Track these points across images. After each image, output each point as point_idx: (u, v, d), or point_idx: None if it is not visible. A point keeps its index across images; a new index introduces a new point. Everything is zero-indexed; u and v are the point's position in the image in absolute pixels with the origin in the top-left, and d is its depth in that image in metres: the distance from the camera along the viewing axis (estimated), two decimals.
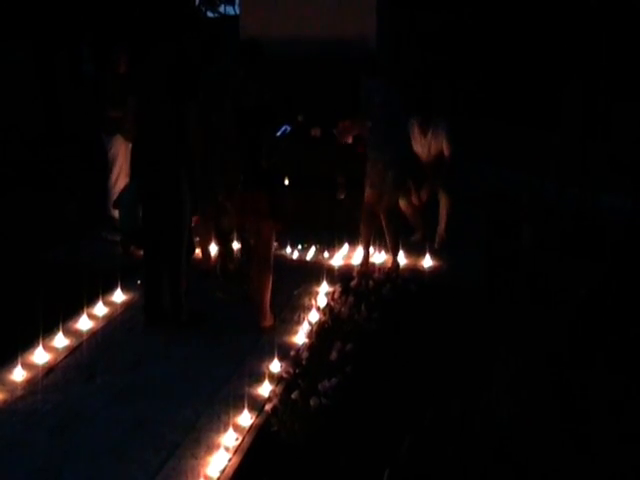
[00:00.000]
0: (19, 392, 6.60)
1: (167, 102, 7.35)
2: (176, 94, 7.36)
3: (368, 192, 9.05)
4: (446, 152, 9.90)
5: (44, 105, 16.37)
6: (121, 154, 10.05)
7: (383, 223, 9.12)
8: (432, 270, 9.41)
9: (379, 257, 9.59)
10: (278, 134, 8.85)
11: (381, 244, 9.51)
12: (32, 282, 8.58)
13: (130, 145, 8.02)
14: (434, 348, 7.27)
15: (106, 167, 10.39)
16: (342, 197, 10.50)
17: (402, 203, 9.82)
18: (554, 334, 7.46)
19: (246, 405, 6.30)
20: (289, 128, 10.01)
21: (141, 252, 8.13)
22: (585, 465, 5.72)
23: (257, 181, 7.43)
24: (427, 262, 9.51)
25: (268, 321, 7.83)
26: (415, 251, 9.75)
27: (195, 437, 6.00)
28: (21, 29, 15.84)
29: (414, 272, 9.26)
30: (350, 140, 9.42)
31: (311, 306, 8.22)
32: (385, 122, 8.75)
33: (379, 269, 9.18)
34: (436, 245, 9.95)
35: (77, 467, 5.64)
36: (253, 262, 7.83)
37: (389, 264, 9.30)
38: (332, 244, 9.83)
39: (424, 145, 10.03)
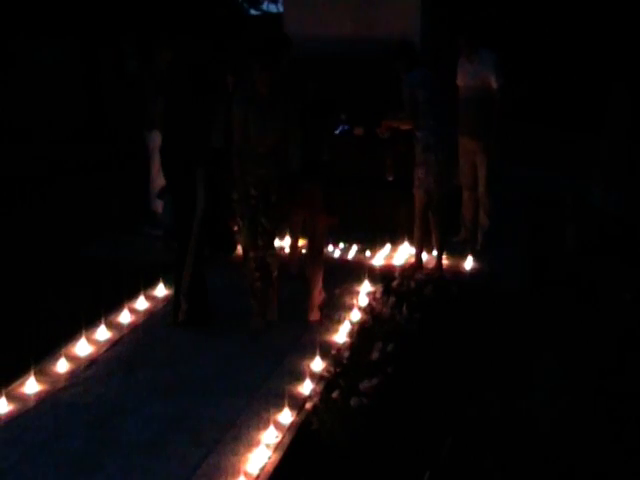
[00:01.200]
0: (61, 383, 6.65)
1: (187, 100, 7.37)
2: (196, 92, 7.37)
3: (417, 191, 9.01)
4: (494, 84, 9.38)
5: (88, 101, 16.50)
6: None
7: (431, 221, 9.06)
8: (474, 272, 9.32)
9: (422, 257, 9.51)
10: (337, 132, 8.83)
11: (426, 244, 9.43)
12: (75, 276, 8.67)
13: None
14: (475, 350, 7.21)
15: (148, 162, 10.43)
16: (390, 179, 10.35)
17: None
18: (598, 338, 7.37)
19: (286, 403, 6.27)
20: (347, 127, 10.02)
21: None
22: (629, 471, 5.64)
23: (314, 175, 7.57)
24: (469, 264, 9.43)
25: (316, 315, 7.95)
26: (457, 252, 9.68)
27: (235, 434, 5.99)
28: (67, 26, 15.96)
29: (456, 273, 9.19)
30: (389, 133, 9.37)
31: (352, 305, 8.19)
32: (431, 113, 8.70)
33: (422, 269, 9.12)
34: (478, 246, 9.86)
35: (116, 460, 5.65)
36: (307, 257, 8.09)
37: (432, 264, 9.24)
38: (374, 244, 9.79)
39: (469, 73, 9.57)
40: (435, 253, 9.27)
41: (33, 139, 12.52)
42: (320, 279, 7.96)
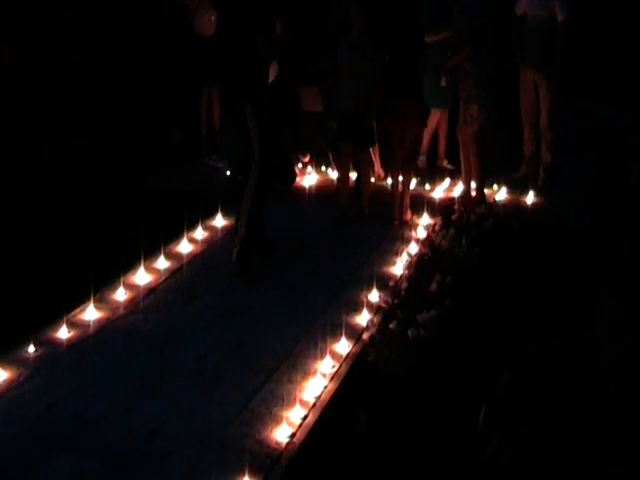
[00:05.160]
0: (121, 311, 6.72)
1: (238, 33, 7.31)
2: (247, 26, 7.30)
3: (465, 127, 8.91)
4: (560, 15, 9.13)
5: (149, 33, 16.41)
6: None
7: (471, 152, 8.95)
8: (535, 207, 9.20)
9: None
10: None
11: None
12: (136, 207, 8.72)
13: None
14: (534, 285, 7.12)
15: (211, 96, 10.47)
16: None
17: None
18: None
19: (344, 333, 6.29)
20: None
21: None
22: None
23: (411, 91, 8.39)
24: (530, 199, 9.30)
25: (408, 214, 8.62)
26: (518, 188, 9.55)
27: (292, 363, 6.01)
28: None
29: (517, 208, 9.07)
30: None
31: (410, 238, 8.14)
32: (485, 43, 8.57)
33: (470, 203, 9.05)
34: (540, 182, 9.70)
35: (175, 386, 5.73)
36: (395, 164, 8.73)
37: (474, 195, 9.17)
38: (434, 176, 9.70)
39: (534, 3, 9.28)
40: (475, 185, 9.19)
41: (97, 74, 12.52)
42: (410, 182, 8.78)
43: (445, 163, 10.30)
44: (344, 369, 5.94)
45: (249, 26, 7.31)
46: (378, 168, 9.76)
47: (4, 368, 5.73)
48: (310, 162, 9.85)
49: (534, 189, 9.44)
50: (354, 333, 6.40)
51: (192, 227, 8.18)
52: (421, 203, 8.89)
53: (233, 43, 7.45)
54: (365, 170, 8.73)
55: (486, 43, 8.59)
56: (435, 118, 9.95)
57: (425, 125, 8.93)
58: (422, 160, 10.16)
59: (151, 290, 7.09)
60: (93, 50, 12.71)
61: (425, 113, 8.86)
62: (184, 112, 11.23)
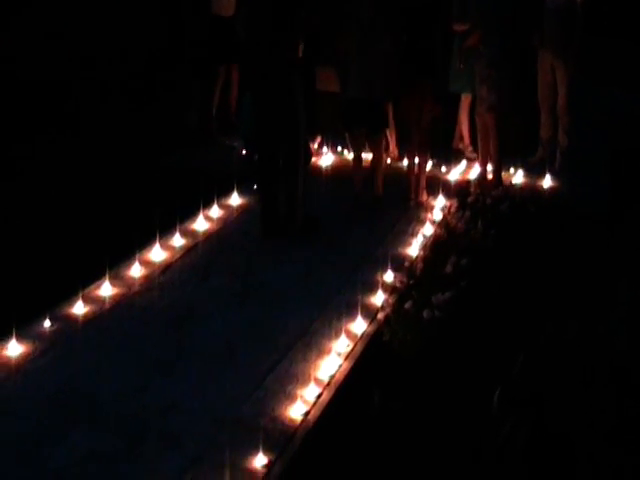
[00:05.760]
0: (136, 288, 6.73)
1: (273, 8, 7.31)
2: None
3: (479, 110, 8.89)
4: None
5: (166, 14, 16.33)
6: None
7: (490, 134, 8.91)
8: (552, 191, 9.16)
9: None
10: None
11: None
12: (151, 185, 8.72)
13: None
14: (551, 269, 7.08)
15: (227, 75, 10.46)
16: None
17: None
18: None
19: (359, 313, 6.28)
20: None
21: None
22: None
23: (427, 72, 8.33)
24: (547, 183, 9.26)
25: (424, 196, 8.64)
26: (535, 172, 9.51)
27: (307, 341, 6.01)
28: None
29: (533, 192, 9.03)
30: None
31: (426, 219, 8.13)
32: (497, 24, 8.54)
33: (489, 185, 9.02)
34: (557, 166, 9.65)
35: (190, 363, 5.73)
36: (411, 145, 8.72)
37: (490, 178, 9.14)
38: (449, 158, 9.67)
39: None
40: (491, 168, 9.19)
41: (112, 56, 12.51)
42: (426, 164, 8.78)
43: (462, 146, 10.23)
44: (359, 348, 5.94)
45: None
46: (393, 148, 9.74)
47: (20, 342, 5.74)
48: (321, 144, 9.86)
49: (551, 173, 9.40)
50: (369, 313, 6.40)
51: (208, 205, 8.17)
52: (437, 185, 8.87)
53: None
54: (379, 152, 8.68)
55: (500, 25, 8.55)
56: (466, 102, 9.88)
57: (441, 107, 8.79)
58: (470, 151, 10.10)
59: (166, 267, 7.09)
60: (106, 31, 12.68)
61: (442, 95, 8.81)
62: (201, 93, 11.20)
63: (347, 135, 9.24)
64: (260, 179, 7.86)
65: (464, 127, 10.08)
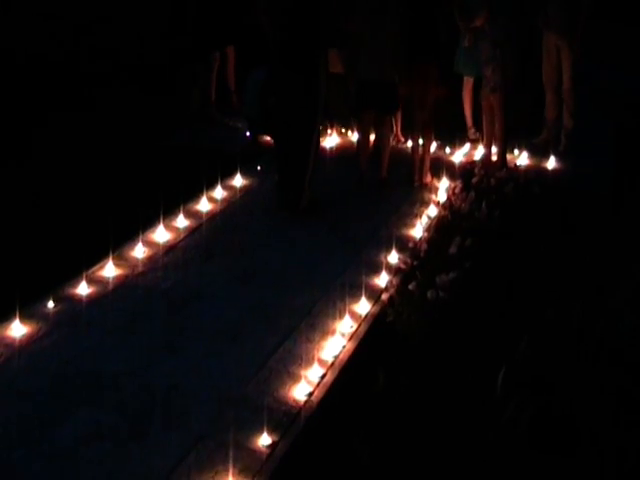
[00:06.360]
0: (140, 268, 6.73)
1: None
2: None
3: (484, 90, 8.86)
4: None
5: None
6: None
7: (495, 115, 8.88)
8: (556, 173, 9.13)
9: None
10: None
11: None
12: (155, 166, 8.69)
13: None
14: (555, 251, 7.06)
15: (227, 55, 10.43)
16: None
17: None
18: None
19: (363, 294, 6.27)
20: None
21: (267, 139, 8.29)
22: None
23: (431, 53, 8.30)
24: (551, 164, 9.23)
25: (428, 177, 8.66)
26: (539, 153, 9.48)
27: (310, 322, 6.01)
28: None
29: (538, 173, 9.01)
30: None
31: (430, 200, 8.12)
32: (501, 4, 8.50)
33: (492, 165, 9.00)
34: (561, 147, 9.62)
35: (192, 344, 5.73)
36: (416, 126, 8.69)
37: (495, 159, 9.10)
38: (454, 140, 9.64)
39: None
40: (496, 149, 9.13)
41: (117, 34, 12.47)
42: (431, 145, 8.75)
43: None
44: (363, 329, 5.94)
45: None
46: (398, 131, 9.71)
47: (24, 323, 5.76)
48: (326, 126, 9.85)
49: (555, 154, 9.37)
50: (373, 294, 6.40)
51: (212, 186, 8.16)
52: (441, 166, 8.84)
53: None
54: (386, 134, 8.65)
55: (505, 5, 8.51)
56: (469, 85, 9.83)
57: (446, 88, 8.82)
58: (472, 132, 10.05)
59: (170, 248, 7.09)
60: (113, 15, 12.66)
61: (447, 76, 8.77)
62: (204, 74, 11.16)
63: (353, 117, 9.20)
64: (277, 157, 7.92)
65: (466, 109, 10.03)
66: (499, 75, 8.63)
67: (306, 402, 5.10)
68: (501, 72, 8.63)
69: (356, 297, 6.26)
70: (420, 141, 8.64)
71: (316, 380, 5.31)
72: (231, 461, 4.50)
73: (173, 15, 13.82)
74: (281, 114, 7.74)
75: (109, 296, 6.31)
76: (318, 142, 7.88)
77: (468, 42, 8.97)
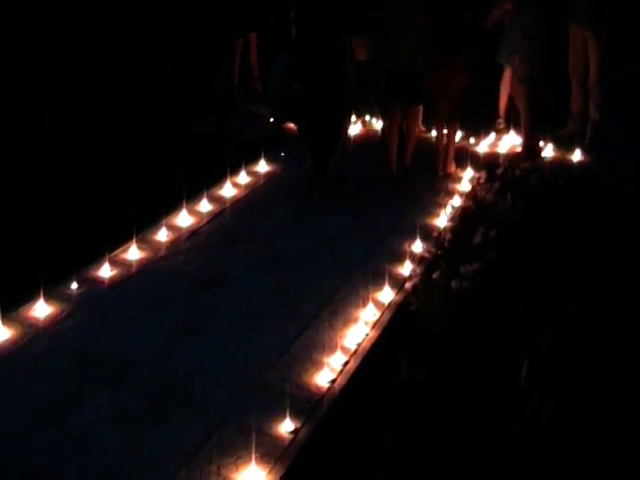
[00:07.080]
0: (163, 252, 6.74)
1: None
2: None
3: (512, 80, 8.85)
4: None
5: None
6: None
7: (520, 106, 8.83)
8: (582, 165, 9.06)
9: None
10: None
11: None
12: (178, 151, 8.69)
13: None
14: (580, 243, 7.00)
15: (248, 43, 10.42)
16: None
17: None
18: None
19: (386, 282, 6.25)
20: None
21: (290, 125, 8.39)
22: None
23: (456, 42, 8.21)
24: (577, 156, 9.16)
25: (452, 167, 8.60)
26: (564, 145, 9.41)
27: (333, 310, 5.99)
28: None
29: (563, 165, 8.94)
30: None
31: (454, 190, 8.08)
32: None
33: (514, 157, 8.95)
34: (587, 140, 9.55)
35: (214, 328, 5.73)
36: (440, 115, 8.61)
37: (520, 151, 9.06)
38: (479, 130, 9.59)
39: None
40: (522, 141, 9.10)
41: (137, 18, 12.47)
42: (455, 135, 8.72)
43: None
44: (386, 317, 5.92)
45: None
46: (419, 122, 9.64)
47: (48, 303, 5.78)
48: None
49: (581, 147, 9.29)
50: (396, 282, 6.37)
51: (235, 172, 8.15)
52: (465, 156, 8.78)
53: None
54: (412, 125, 8.58)
55: None
56: (508, 75, 9.75)
57: (472, 77, 8.72)
58: (499, 123, 9.98)
59: (193, 232, 7.09)
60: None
61: (474, 65, 8.69)
62: (227, 60, 11.14)
63: (381, 107, 9.14)
64: (309, 136, 7.99)
65: (502, 99, 9.94)
66: (526, 65, 8.59)
67: (329, 389, 5.09)
68: (528, 63, 8.58)
69: (379, 285, 6.24)
70: (444, 130, 8.59)
71: (339, 367, 5.30)
72: (253, 446, 4.49)
73: (196, 1, 13.84)
74: (311, 92, 7.74)
75: (132, 279, 6.32)
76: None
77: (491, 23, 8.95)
